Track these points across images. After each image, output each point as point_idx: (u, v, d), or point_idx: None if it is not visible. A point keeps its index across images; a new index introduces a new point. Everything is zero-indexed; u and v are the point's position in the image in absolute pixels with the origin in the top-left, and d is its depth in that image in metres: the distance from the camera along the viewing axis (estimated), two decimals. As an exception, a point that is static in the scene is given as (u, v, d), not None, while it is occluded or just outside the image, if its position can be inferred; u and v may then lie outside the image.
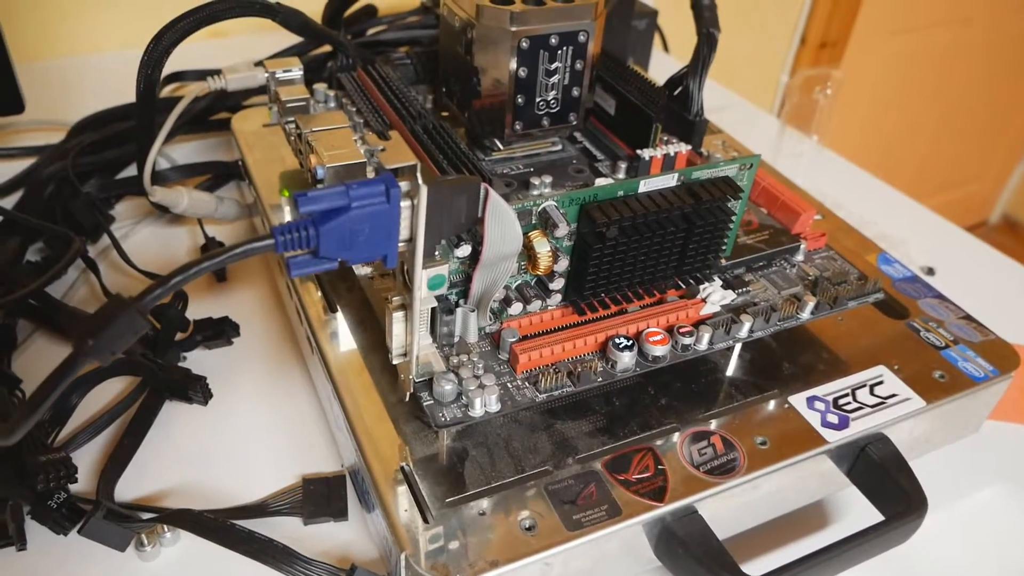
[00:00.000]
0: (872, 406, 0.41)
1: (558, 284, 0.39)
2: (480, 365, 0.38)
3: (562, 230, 0.37)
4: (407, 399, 0.38)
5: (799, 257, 0.48)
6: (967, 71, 1.82)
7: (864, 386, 0.42)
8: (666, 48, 1.01)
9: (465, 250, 0.36)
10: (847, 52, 1.49)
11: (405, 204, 0.30)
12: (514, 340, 0.38)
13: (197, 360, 0.50)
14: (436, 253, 0.34)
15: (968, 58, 1.79)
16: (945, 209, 0.76)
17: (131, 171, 0.65)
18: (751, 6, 1.35)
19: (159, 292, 0.27)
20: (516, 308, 0.39)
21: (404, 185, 0.30)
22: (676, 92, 0.47)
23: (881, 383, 0.42)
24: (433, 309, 0.37)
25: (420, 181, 0.30)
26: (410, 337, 0.35)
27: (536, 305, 0.39)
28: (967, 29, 1.73)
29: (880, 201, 0.75)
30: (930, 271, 0.63)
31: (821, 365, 0.43)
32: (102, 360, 0.26)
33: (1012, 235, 2.29)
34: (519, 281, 0.40)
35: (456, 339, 0.39)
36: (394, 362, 0.37)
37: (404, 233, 0.31)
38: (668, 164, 0.45)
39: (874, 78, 1.64)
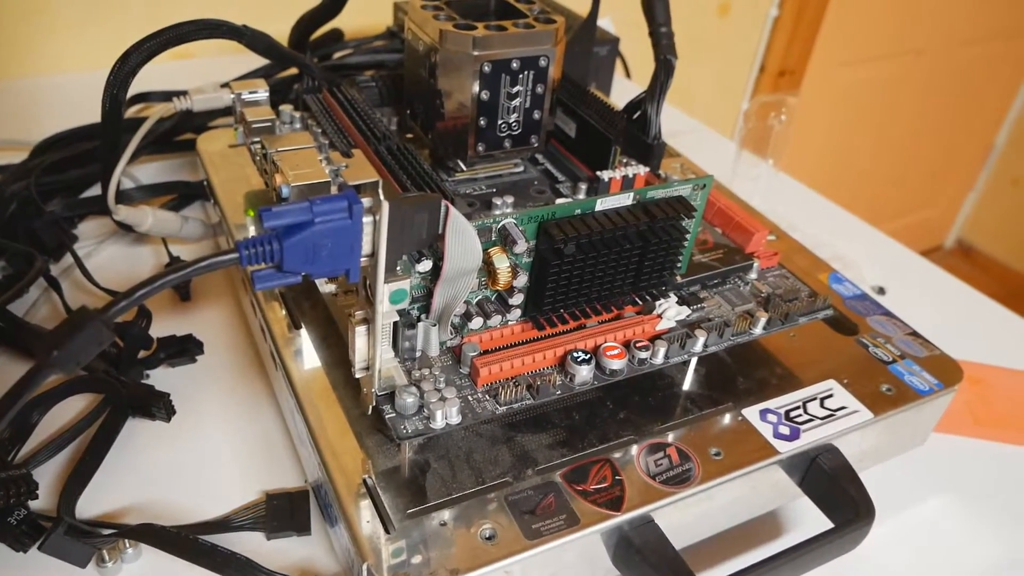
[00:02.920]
0: (822, 418, 0.42)
1: (518, 299, 0.40)
2: (441, 379, 0.39)
3: (521, 246, 0.38)
4: (369, 412, 0.39)
5: (752, 275, 0.49)
6: (919, 100, 1.87)
7: (815, 399, 0.43)
8: (628, 74, 1.03)
9: (426, 265, 0.37)
10: (805, 80, 1.53)
11: (367, 220, 0.31)
12: (475, 354, 0.39)
13: (161, 378, 0.50)
14: (398, 268, 0.35)
15: (920, 88, 1.84)
16: (901, 234, 0.79)
17: (95, 190, 0.65)
18: (712, 34, 1.38)
19: (124, 304, 0.28)
20: (477, 323, 0.40)
21: (366, 201, 0.31)
22: (635, 116, 0.49)
23: (831, 396, 0.43)
24: (395, 323, 0.38)
25: (382, 197, 0.31)
26: (372, 351, 0.36)
27: (496, 320, 0.40)
28: (918, 60, 1.78)
29: (834, 223, 0.77)
30: (881, 290, 0.65)
31: (774, 379, 0.44)
32: (67, 371, 0.27)
33: (966, 259, 2.34)
34: (479, 296, 0.41)
35: (418, 353, 0.40)
36: (357, 376, 0.37)
37: (366, 248, 0.32)
38: (627, 185, 0.47)
39: (831, 106, 1.68)
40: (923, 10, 1.69)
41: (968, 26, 1.80)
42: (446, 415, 0.37)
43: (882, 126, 1.85)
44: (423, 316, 0.39)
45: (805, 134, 1.64)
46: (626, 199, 0.41)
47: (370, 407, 0.38)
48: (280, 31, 0.63)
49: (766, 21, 1.43)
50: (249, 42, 0.51)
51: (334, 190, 0.42)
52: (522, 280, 0.39)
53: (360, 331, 0.35)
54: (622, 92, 0.89)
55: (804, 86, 1.53)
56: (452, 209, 0.34)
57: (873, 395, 0.44)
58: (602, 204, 0.40)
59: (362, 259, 0.32)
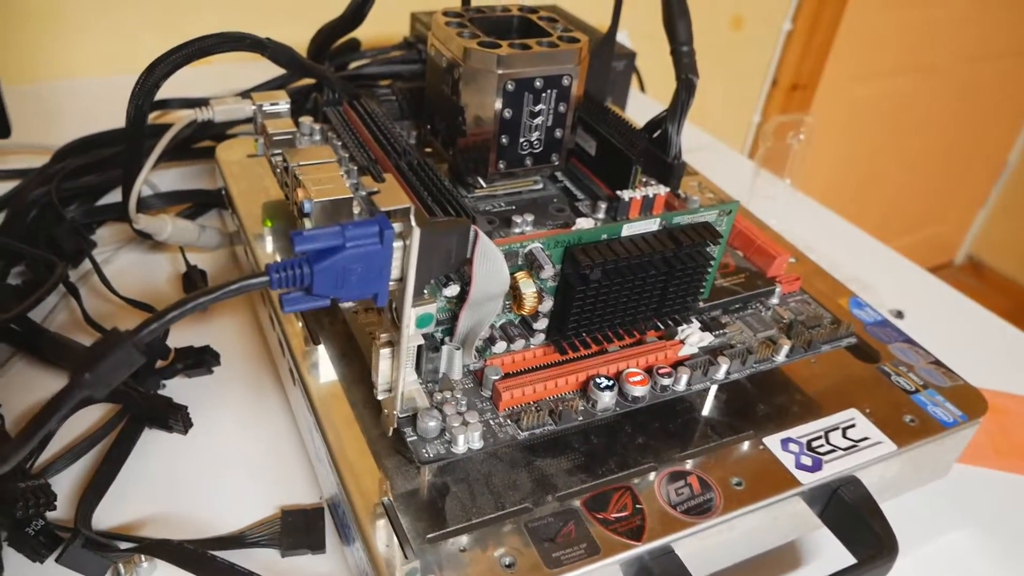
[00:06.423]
0: (844, 449, 0.42)
1: (542, 324, 0.40)
2: (463, 402, 0.39)
3: (547, 271, 0.38)
4: (390, 434, 0.38)
5: (774, 300, 0.49)
6: (931, 116, 1.87)
7: (837, 429, 0.43)
8: (642, 88, 1.03)
9: (453, 290, 0.37)
10: (817, 95, 1.53)
11: (397, 245, 0.31)
12: (497, 378, 0.39)
13: (176, 388, 0.50)
14: (424, 292, 0.34)
15: (932, 103, 1.84)
16: (911, 250, 0.78)
17: (113, 196, 0.65)
18: (725, 48, 1.38)
19: (155, 327, 0.27)
20: (500, 347, 0.39)
21: (397, 226, 0.31)
22: (655, 135, 0.49)
23: (853, 426, 0.43)
24: (419, 346, 0.38)
25: (413, 224, 0.30)
26: (396, 373, 0.36)
27: (520, 344, 0.40)
28: (931, 76, 1.78)
29: (850, 244, 0.77)
30: (899, 314, 0.65)
31: (795, 407, 0.44)
32: (97, 394, 0.27)
33: (976, 275, 2.33)
34: (503, 320, 0.41)
35: (440, 375, 0.40)
36: (379, 398, 0.37)
37: (395, 273, 0.32)
38: (647, 206, 0.46)
39: (843, 120, 1.68)
40: (936, 26, 1.68)
41: (981, 43, 1.80)
42: (468, 440, 0.37)
43: (894, 141, 1.85)
44: (447, 339, 0.39)
45: (815, 148, 1.63)
46: (652, 224, 0.41)
47: (391, 429, 0.38)
48: (293, 34, 0.64)
49: (779, 35, 1.43)
50: (272, 55, 0.51)
51: (355, 206, 0.42)
52: (547, 305, 0.39)
53: (384, 354, 0.35)
54: (636, 106, 0.89)
55: (816, 101, 1.53)
56: (481, 234, 0.34)
57: (896, 426, 0.43)
58: (628, 229, 0.40)
59: (390, 283, 0.32)
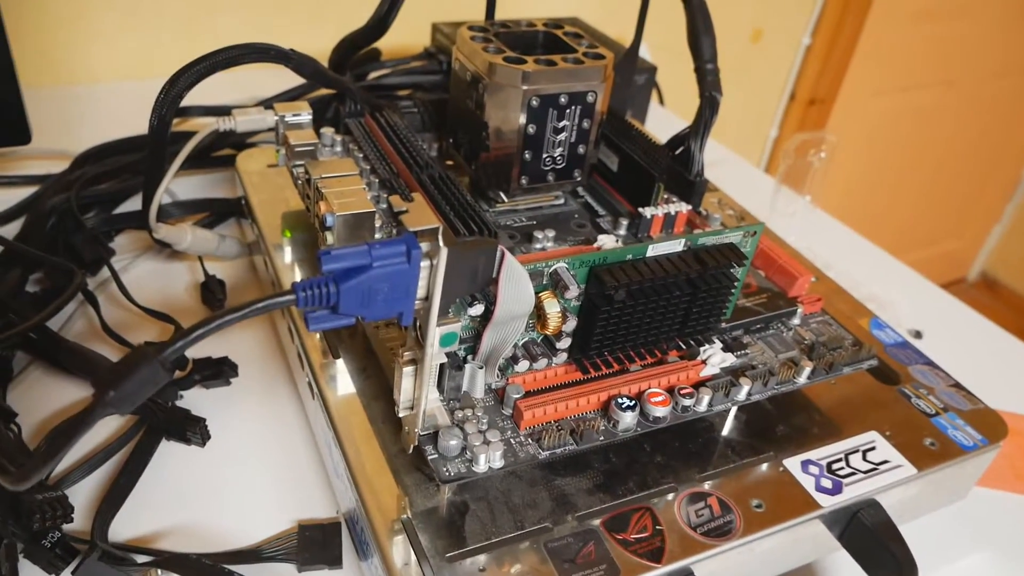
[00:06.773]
0: (865, 472, 0.41)
1: (565, 343, 0.40)
2: (484, 420, 0.38)
3: (572, 292, 0.38)
4: (410, 451, 0.38)
5: (795, 321, 0.48)
6: (949, 131, 1.86)
7: (857, 451, 0.42)
8: (661, 101, 1.03)
9: (478, 309, 0.36)
10: (835, 109, 1.52)
11: (424, 264, 0.31)
12: (518, 396, 0.39)
13: (194, 399, 0.50)
14: (450, 311, 0.34)
15: (950, 119, 1.83)
16: (925, 265, 0.78)
17: (131, 204, 0.65)
18: (743, 61, 1.37)
19: (181, 345, 0.27)
20: (522, 366, 0.39)
21: (424, 246, 0.31)
22: (677, 152, 0.49)
23: (873, 449, 0.43)
24: (442, 364, 0.37)
25: (441, 244, 0.30)
26: (418, 392, 0.36)
27: (542, 363, 0.40)
28: (949, 91, 1.77)
29: (867, 261, 0.76)
30: (918, 335, 0.65)
31: (814, 428, 0.44)
32: (122, 412, 0.27)
33: (990, 292, 2.32)
34: (526, 339, 0.41)
35: (462, 393, 0.40)
36: (400, 415, 0.37)
37: (421, 292, 0.32)
38: (668, 223, 0.46)
39: (860, 136, 1.67)
40: (956, 42, 1.68)
41: (1000, 59, 1.79)
42: (489, 459, 0.36)
43: (910, 156, 1.84)
44: (470, 357, 0.39)
45: (832, 163, 1.63)
46: (677, 245, 0.41)
47: (412, 447, 0.38)
48: (312, 39, 0.64)
49: (798, 49, 1.43)
50: (296, 66, 0.51)
51: (377, 219, 0.42)
52: (571, 325, 0.39)
53: (407, 372, 0.35)
54: (655, 119, 0.89)
55: (833, 115, 1.53)
56: (508, 255, 0.34)
57: (916, 449, 0.43)
58: (653, 250, 0.40)
59: (415, 302, 0.32)
